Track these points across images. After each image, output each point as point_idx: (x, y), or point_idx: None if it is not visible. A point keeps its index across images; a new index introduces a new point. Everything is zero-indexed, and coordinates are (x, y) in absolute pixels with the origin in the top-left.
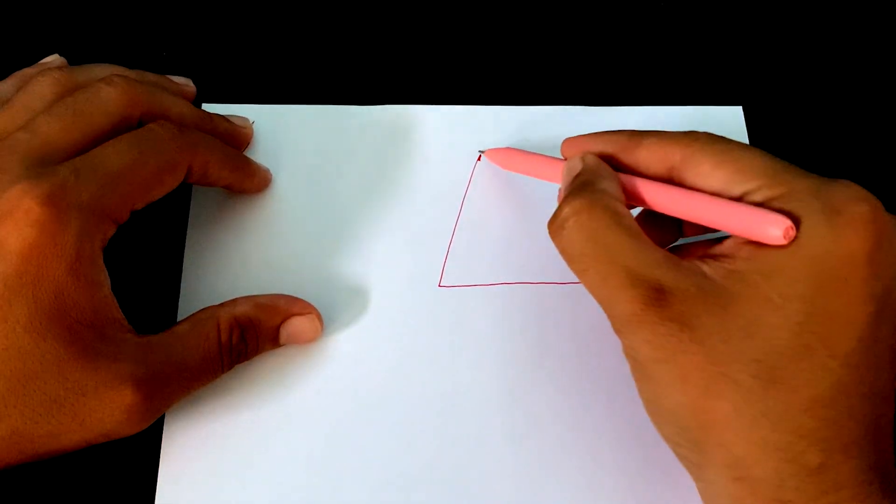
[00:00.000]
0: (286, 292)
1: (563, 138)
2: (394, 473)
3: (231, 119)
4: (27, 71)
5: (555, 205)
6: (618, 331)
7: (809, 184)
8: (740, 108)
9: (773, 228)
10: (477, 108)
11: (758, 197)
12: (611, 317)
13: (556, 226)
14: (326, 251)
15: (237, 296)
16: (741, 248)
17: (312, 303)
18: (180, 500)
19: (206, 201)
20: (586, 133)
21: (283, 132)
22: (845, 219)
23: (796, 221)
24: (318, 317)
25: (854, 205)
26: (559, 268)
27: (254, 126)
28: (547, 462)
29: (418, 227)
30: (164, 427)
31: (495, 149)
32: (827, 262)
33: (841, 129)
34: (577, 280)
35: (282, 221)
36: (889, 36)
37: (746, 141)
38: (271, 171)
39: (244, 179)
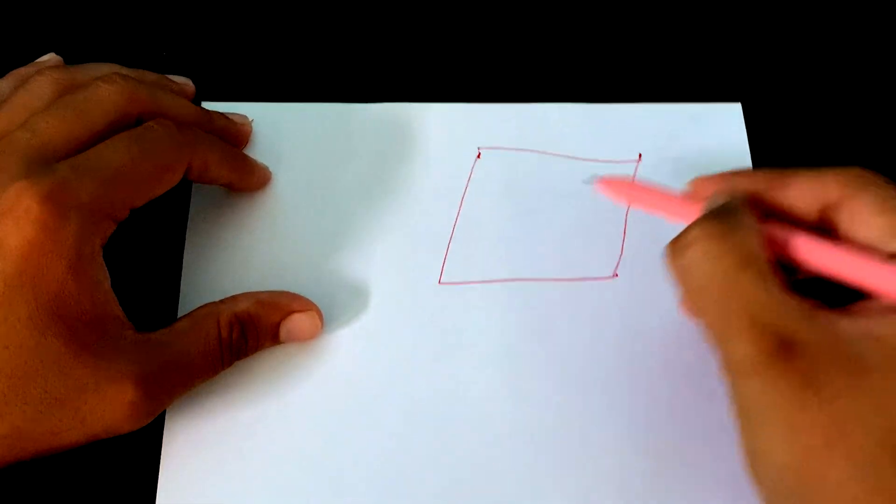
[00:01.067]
0: (283, 288)
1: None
2: (394, 470)
3: (230, 116)
4: (23, 70)
5: (554, 200)
6: (729, 373)
7: None
8: (739, 104)
9: None
10: (476, 105)
11: None
12: (724, 356)
13: (678, 246)
14: (326, 248)
15: (237, 293)
16: (888, 312)
17: (312, 300)
18: (181, 496)
19: (205, 199)
20: (723, 172)
21: (283, 130)
22: None
23: None
24: (319, 314)
25: None
26: (559, 264)
27: (253, 124)
28: (548, 457)
29: (418, 225)
30: (165, 424)
31: (611, 180)
32: None
33: (841, 125)
34: (576, 276)
35: (281, 219)
36: (888, 32)
37: (745, 138)
38: (271, 169)
39: (244, 177)
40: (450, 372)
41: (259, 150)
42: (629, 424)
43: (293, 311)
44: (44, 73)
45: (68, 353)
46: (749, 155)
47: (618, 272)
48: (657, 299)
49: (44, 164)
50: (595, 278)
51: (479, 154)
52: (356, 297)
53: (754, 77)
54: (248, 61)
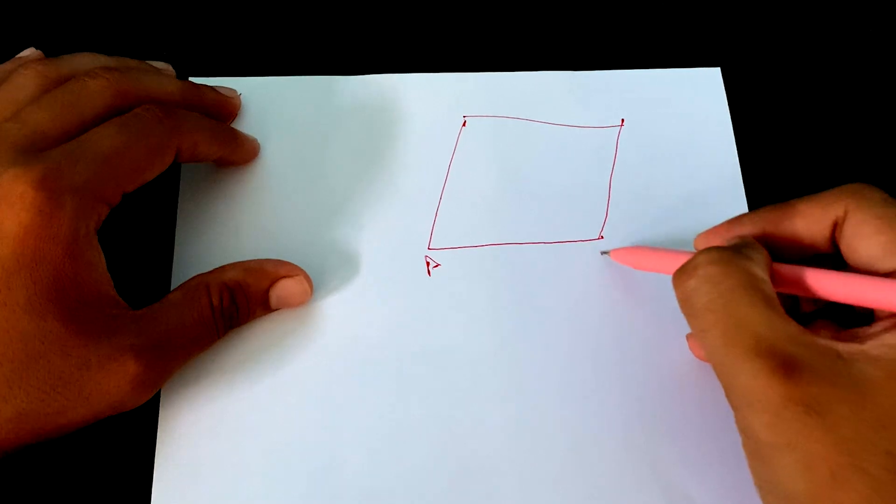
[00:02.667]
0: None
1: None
2: (389, 433)
3: (218, 89)
4: (4, 66)
5: (539, 166)
6: (734, 405)
7: None
8: (718, 69)
9: None
10: (460, 74)
11: None
12: (728, 388)
13: (684, 272)
14: (316, 219)
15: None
16: (887, 334)
17: (304, 269)
18: (178, 474)
19: (195, 174)
20: (720, 224)
21: (270, 104)
22: None
23: None
24: (307, 278)
25: None
26: (545, 227)
27: (241, 99)
28: (539, 417)
29: (407, 192)
30: (161, 404)
31: (622, 249)
32: None
33: (820, 87)
34: (563, 239)
35: (271, 191)
36: None
37: (725, 103)
38: (259, 143)
39: (233, 151)
40: (440, 334)
41: (247, 124)
42: (616, 383)
43: (281, 277)
44: (27, 67)
45: (69, 334)
46: (729, 119)
47: (603, 234)
48: None
49: (35, 152)
50: (581, 240)
51: (465, 122)
52: (347, 265)
53: (733, 42)
54: (233, 37)
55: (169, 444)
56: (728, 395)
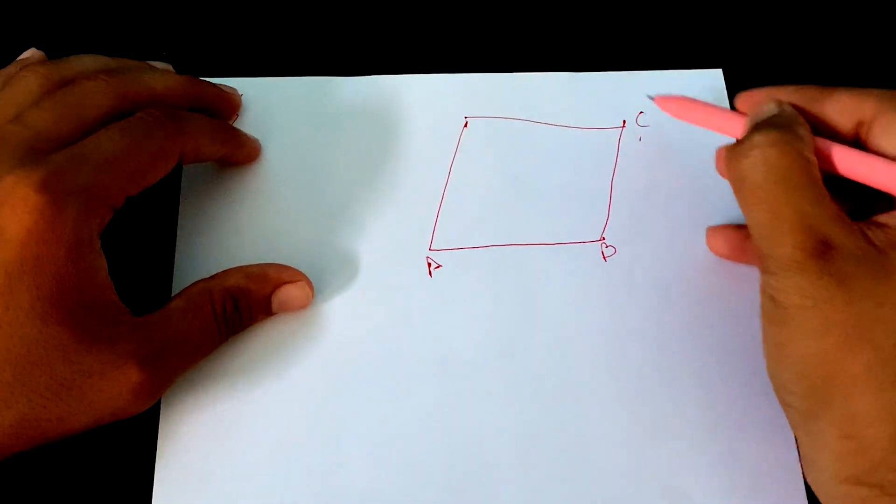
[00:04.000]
0: (278, 261)
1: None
2: (390, 435)
3: (220, 86)
4: (8, 69)
5: (540, 167)
6: (768, 270)
7: None
8: (720, 71)
9: None
10: (462, 75)
11: None
12: (767, 254)
13: (740, 151)
14: (318, 219)
15: (230, 266)
16: None
17: (305, 271)
18: (179, 476)
19: (196, 175)
20: (766, 88)
21: (272, 105)
22: None
23: None
24: (309, 284)
25: None
26: (546, 229)
27: (242, 99)
28: (539, 418)
29: (408, 193)
30: (161, 407)
31: (669, 98)
32: None
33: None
34: (564, 241)
35: (272, 192)
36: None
37: (728, 104)
38: (260, 143)
39: (235, 151)
40: (442, 336)
41: (248, 125)
42: (617, 383)
43: (283, 283)
44: (29, 69)
45: (71, 339)
46: None
47: (604, 235)
48: (643, 261)
49: (38, 154)
50: (582, 242)
51: (467, 123)
52: (348, 266)
53: (735, 43)
54: (234, 37)
55: (170, 447)
56: (765, 262)
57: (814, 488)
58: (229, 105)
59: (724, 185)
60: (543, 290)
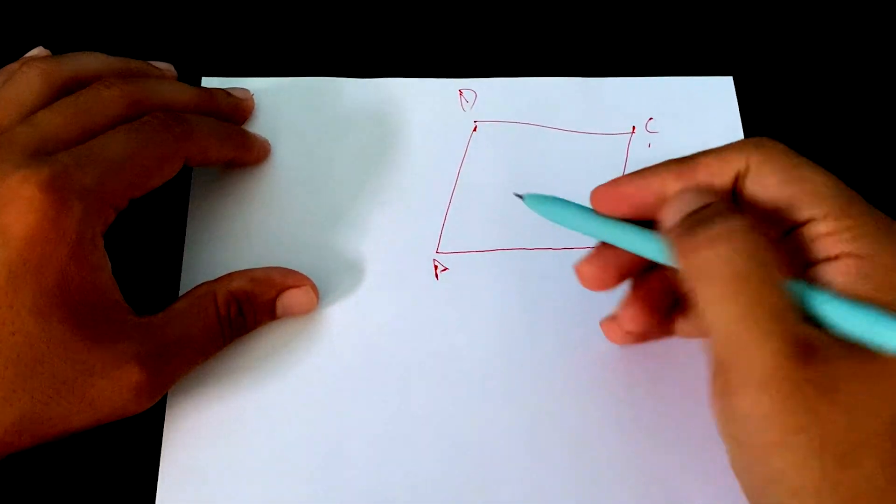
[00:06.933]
0: (285, 264)
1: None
2: (395, 437)
3: (232, 92)
4: (11, 66)
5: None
6: (734, 384)
7: (877, 225)
8: (731, 78)
9: None
10: (473, 80)
11: (822, 228)
12: (731, 363)
13: (699, 239)
14: (325, 222)
15: (237, 267)
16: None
17: (312, 272)
18: (183, 478)
19: (206, 176)
20: (619, 177)
21: (282, 105)
22: None
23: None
24: (314, 288)
25: None
26: (553, 233)
27: (254, 99)
28: (544, 421)
29: (416, 197)
30: (167, 410)
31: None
32: None
33: (832, 96)
34: (571, 246)
35: (281, 193)
36: (879, 4)
37: (737, 111)
38: (270, 144)
39: (244, 153)
40: (447, 339)
41: (258, 125)
42: (621, 387)
43: (288, 287)
44: (30, 65)
45: (73, 338)
46: (741, 128)
47: None
48: None
49: (44, 155)
50: (589, 247)
51: (476, 127)
52: (355, 268)
53: (745, 51)
54: (245, 37)
55: (174, 447)
56: (727, 373)
57: None
58: (242, 113)
59: None
60: (550, 294)
